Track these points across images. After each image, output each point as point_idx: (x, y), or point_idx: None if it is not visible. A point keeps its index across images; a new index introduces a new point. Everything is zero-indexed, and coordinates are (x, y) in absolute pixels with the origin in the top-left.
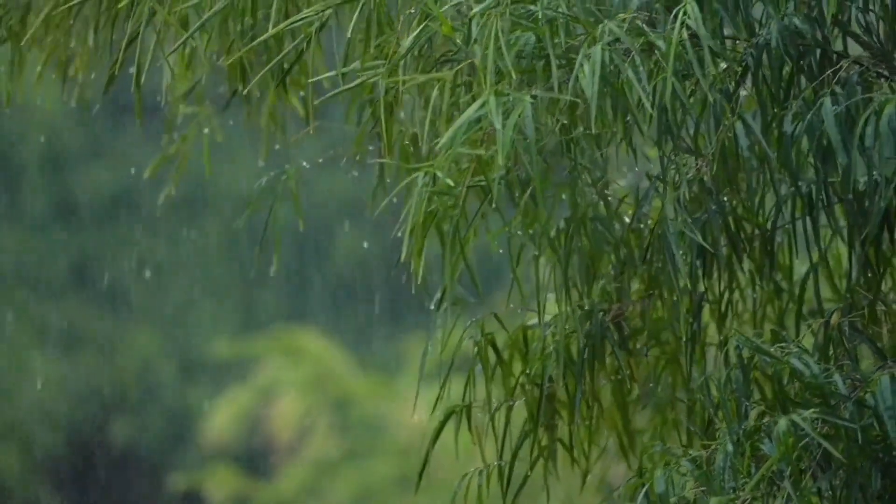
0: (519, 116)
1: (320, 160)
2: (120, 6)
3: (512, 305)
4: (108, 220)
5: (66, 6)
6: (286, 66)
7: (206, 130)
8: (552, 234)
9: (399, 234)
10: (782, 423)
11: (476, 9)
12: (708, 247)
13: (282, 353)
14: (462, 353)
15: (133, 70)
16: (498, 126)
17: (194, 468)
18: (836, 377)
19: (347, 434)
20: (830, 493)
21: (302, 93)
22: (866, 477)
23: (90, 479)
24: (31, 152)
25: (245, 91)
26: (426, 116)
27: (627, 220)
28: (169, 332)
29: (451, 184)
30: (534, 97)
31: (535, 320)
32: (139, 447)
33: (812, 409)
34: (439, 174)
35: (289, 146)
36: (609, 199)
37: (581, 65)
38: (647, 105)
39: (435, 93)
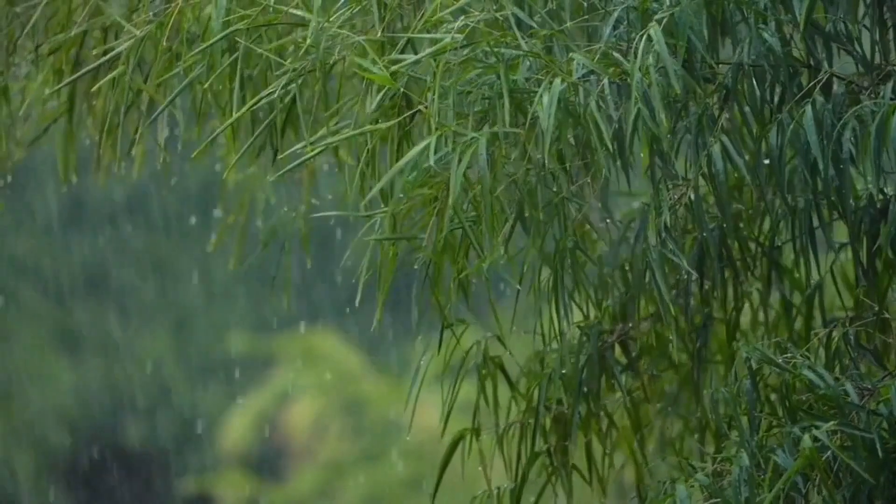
0: (473, 153)
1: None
2: (92, 90)
3: (514, 329)
4: (120, 223)
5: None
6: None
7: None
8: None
9: (356, 281)
10: (806, 438)
11: (425, 52)
12: (692, 270)
13: (295, 356)
14: (467, 363)
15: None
16: (432, 164)
17: (206, 471)
18: (849, 387)
19: (360, 436)
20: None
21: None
22: (875, 487)
23: (102, 481)
24: (42, 156)
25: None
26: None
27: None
28: (181, 335)
29: (387, 230)
30: (494, 133)
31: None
32: (151, 450)
33: (832, 422)
34: (386, 224)
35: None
36: (606, 218)
37: (540, 97)
38: (607, 139)
39: (369, 144)
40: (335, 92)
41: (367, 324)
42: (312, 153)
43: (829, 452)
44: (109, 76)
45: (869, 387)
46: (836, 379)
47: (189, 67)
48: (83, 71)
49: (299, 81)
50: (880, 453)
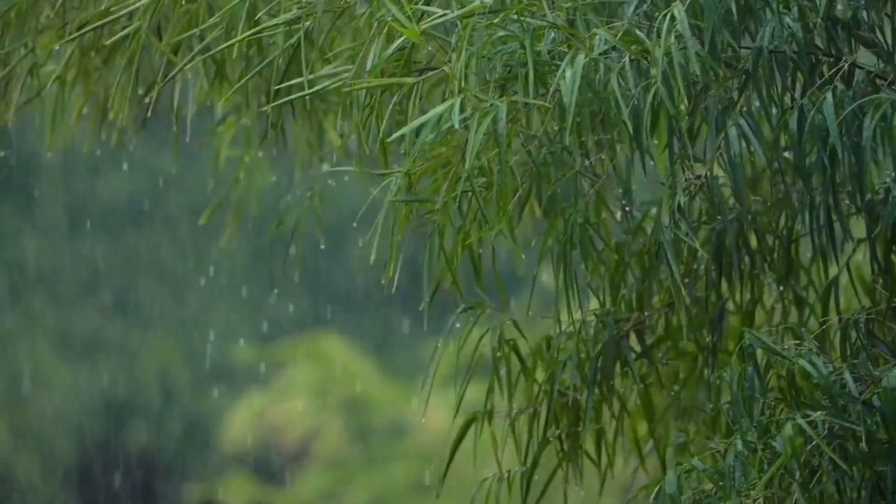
0: (493, 120)
1: (336, 178)
2: (107, 43)
3: (531, 313)
4: (127, 228)
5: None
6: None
7: (246, 159)
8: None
9: (366, 241)
10: (789, 426)
11: (454, 13)
12: (705, 253)
13: (301, 359)
14: (480, 358)
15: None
16: (456, 125)
17: (211, 474)
18: (847, 376)
19: (365, 439)
20: (847, 492)
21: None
22: (881, 476)
23: (107, 485)
24: (49, 159)
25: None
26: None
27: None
28: (186, 339)
29: (402, 189)
30: (514, 102)
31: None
32: (156, 453)
33: (819, 413)
34: (401, 184)
35: (317, 160)
36: (624, 204)
37: (563, 71)
38: (625, 115)
39: (395, 98)
40: (341, 36)
41: (373, 326)
42: (307, 92)
43: (814, 442)
44: (125, 31)
45: (877, 374)
46: (835, 369)
47: (207, 29)
48: (94, 25)
49: (306, 24)
50: (865, 445)
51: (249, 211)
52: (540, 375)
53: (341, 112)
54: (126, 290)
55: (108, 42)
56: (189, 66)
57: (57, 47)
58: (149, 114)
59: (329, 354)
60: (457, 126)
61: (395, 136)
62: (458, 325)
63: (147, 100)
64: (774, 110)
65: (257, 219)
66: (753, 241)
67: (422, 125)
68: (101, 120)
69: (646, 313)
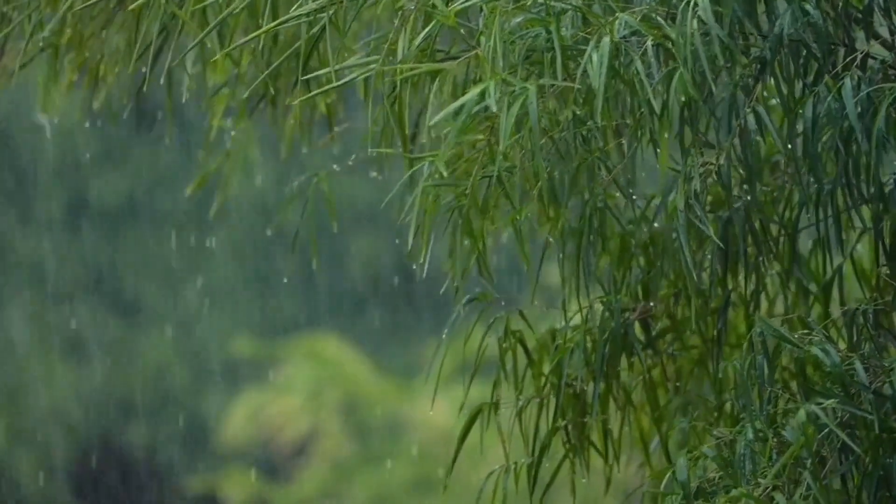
0: (522, 104)
1: (339, 165)
2: (131, 7)
3: (537, 303)
4: (122, 225)
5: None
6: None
7: (232, 134)
8: (563, 226)
9: (402, 225)
10: (801, 413)
11: None
12: (717, 240)
13: (299, 358)
14: (484, 351)
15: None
16: (493, 108)
17: (210, 471)
18: (857, 365)
19: (365, 437)
20: (853, 482)
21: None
22: (887, 468)
23: (105, 483)
24: (45, 155)
25: (268, 95)
26: (428, 108)
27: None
28: (184, 337)
29: (444, 173)
30: (541, 86)
31: (562, 321)
32: (155, 451)
33: (832, 400)
34: (440, 166)
35: (314, 148)
36: (631, 193)
37: (590, 56)
38: (651, 99)
39: (435, 85)
40: (366, 24)
41: (371, 326)
42: (342, 82)
43: (827, 429)
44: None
45: (886, 364)
46: (848, 356)
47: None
48: None
49: (331, 11)
50: (878, 432)
51: (234, 183)
52: (546, 368)
53: (371, 102)
54: (124, 287)
55: (131, 7)
56: (191, 41)
57: (69, 14)
58: (157, 80)
59: (327, 352)
60: (494, 108)
61: (438, 118)
62: (459, 320)
63: (144, 69)
64: (787, 98)
65: (257, 210)
66: (759, 230)
67: (456, 110)
68: (93, 88)
69: (651, 303)
